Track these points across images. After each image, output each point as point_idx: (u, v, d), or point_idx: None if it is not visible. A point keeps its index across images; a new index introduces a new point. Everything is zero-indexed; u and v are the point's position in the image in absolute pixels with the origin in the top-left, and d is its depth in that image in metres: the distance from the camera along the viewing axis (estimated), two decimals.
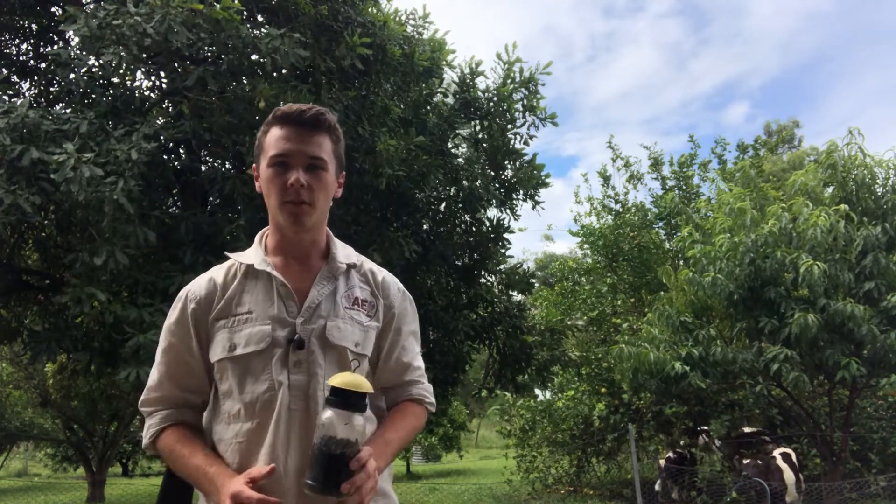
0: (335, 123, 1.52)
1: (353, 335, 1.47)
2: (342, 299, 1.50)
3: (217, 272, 1.54)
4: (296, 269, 1.51)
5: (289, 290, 1.46)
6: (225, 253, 1.60)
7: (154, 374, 1.52)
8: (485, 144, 8.08)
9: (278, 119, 1.48)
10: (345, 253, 1.58)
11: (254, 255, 1.52)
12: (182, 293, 1.54)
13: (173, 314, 1.52)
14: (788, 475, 7.15)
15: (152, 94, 6.68)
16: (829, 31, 65.69)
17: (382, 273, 1.63)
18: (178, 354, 1.49)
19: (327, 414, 1.25)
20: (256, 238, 1.58)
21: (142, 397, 1.53)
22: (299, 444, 1.39)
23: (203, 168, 6.78)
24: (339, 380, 1.26)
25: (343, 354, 1.45)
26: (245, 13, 6.33)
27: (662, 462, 9.86)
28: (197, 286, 1.52)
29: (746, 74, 67.24)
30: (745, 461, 7.69)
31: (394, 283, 1.63)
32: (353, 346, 1.47)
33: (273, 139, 1.47)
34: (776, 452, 7.64)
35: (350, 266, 1.56)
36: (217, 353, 1.45)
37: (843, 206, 7.36)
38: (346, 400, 1.25)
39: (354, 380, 1.26)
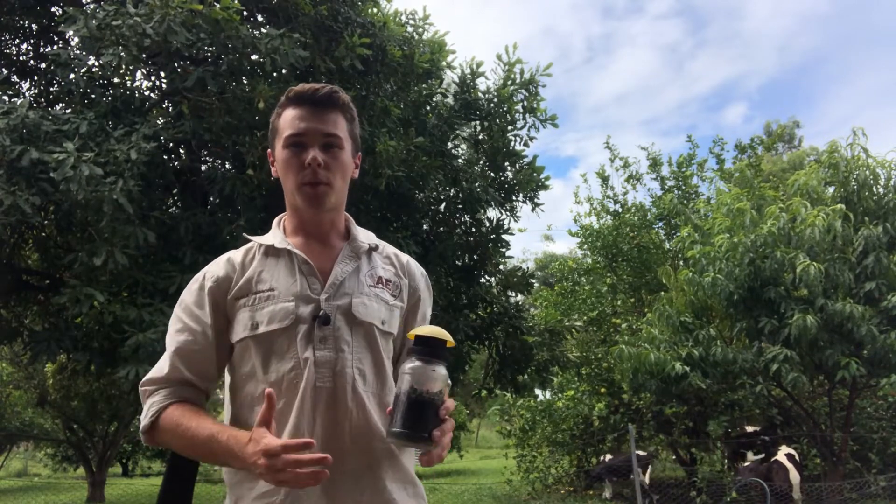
0: (349, 101, 1.49)
1: (378, 312, 1.44)
2: (366, 277, 1.46)
3: (235, 253, 1.49)
4: (316, 248, 1.47)
5: (311, 266, 1.41)
6: (244, 235, 1.56)
7: (162, 357, 1.45)
8: (485, 146, 8.07)
9: (291, 99, 1.45)
10: (366, 235, 1.55)
11: (272, 236, 1.48)
12: (199, 274, 1.49)
13: (189, 295, 1.46)
14: (794, 474, 7.16)
15: (152, 95, 6.68)
16: (826, 33, 65.68)
17: (406, 257, 1.60)
18: (192, 335, 1.41)
19: (413, 363, 1.23)
20: (274, 222, 1.54)
21: (145, 377, 1.44)
22: (326, 424, 1.33)
23: (203, 168, 6.78)
24: (425, 330, 1.25)
25: (370, 331, 1.41)
26: (245, 13, 6.32)
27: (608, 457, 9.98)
28: (215, 266, 1.47)
29: (744, 76, 67.23)
30: (745, 464, 7.70)
31: (417, 267, 1.60)
32: (379, 323, 1.43)
33: (287, 120, 1.44)
34: (781, 453, 7.64)
35: (372, 248, 1.53)
36: (239, 332, 1.39)
37: (840, 206, 7.36)
38: (432, 349, 1.24)
39: (439, 330, 1.25)
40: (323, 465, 1.17)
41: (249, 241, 1.52)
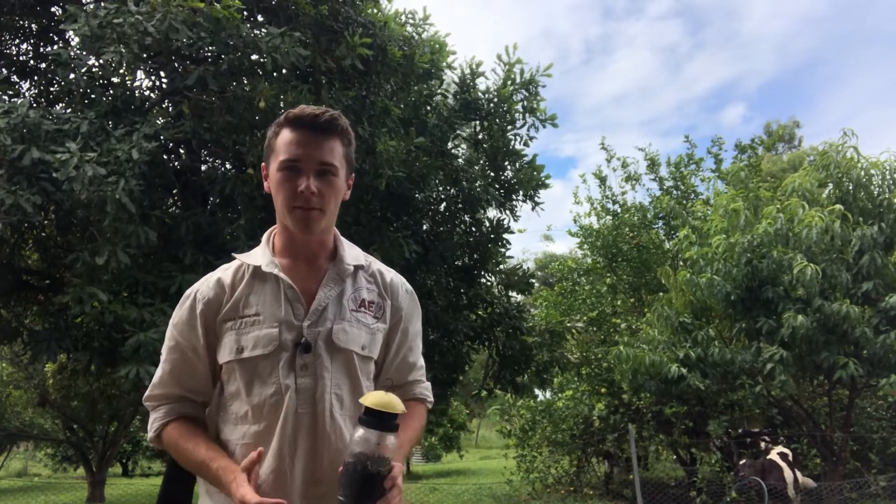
0: (348, 127, 1.50)
1: (359, 338, 1.48)
2: (349, 301, 1.50)
3: (224, 273, 1.53)
4: (303, 270, 1.51)
5: (296, 292, 1.45)
6: (233, 255, 1.59)
7: (159, 371, 1.53)
8: (485, 145, 8.08)
9: (290, 122, 1.46)
10: (352, 254, 1.57)
11: (261, 256, 1.51)
12: (190, 292, 1.53)
13: (181, 313, 1.52)
14: (787, 473, 7.17)
15: (152, 94, 6.68)
16: (824, 34, 65.59)
17: (391, 274, 1.62)
18: (182, 354, 1.50)
19: (360, 433, 1.26)
20: (264, 237, 1.57)
21: (146, 393, 1.55)
22: (306, 448, 1.40)
23: (203, 168, 6.78)
24: (373, 399, 1.26)
25: (349, 357, 1.46)
26: (245, 13, 6.33)
27: None
28: (205, 287, 1.52)
29: (743, 76, 67.18)
30: (742, 461, 7.71)
31: (402, 284, 1.63)
32: (359, 349, 1.47)
33: (284, 142, 1.45)
34: (774, 452, 7.66)
35: (357, 267, 1.55)
36: (225, 354, 1.45)
37: (838, 207, 7.36)
38: (379, 420, 1.26)
39: (388, 400, 1.26)
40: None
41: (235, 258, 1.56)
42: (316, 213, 1.44)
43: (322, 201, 1.44)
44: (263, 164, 1.54)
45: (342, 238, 1.58)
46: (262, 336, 1.42)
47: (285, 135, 1.46)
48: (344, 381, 1.45)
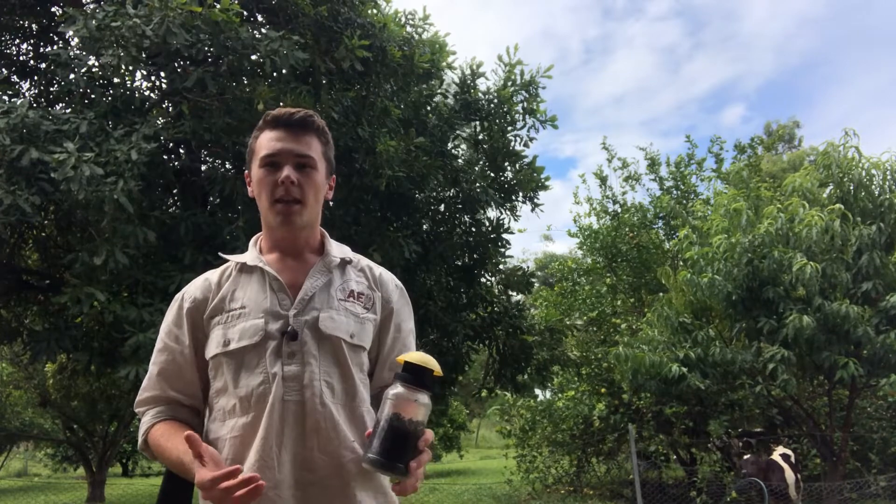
0: (324, 126, 1.55)
1: (347, 326, 1.47)
2: (336, 291, 1.50)
3: (212, 273, 1.57)
4: (290, 264, 1.52)
5: (281, 283, 1.46)
6: (220, 254, 1.61)
7: (147, 376, 1.53)
8: (485, 146, 8.08)
9: (269, 123, 1.52)
10: (340, 249, 1.59)
11: (248, 255, 1.54)
12: (179, 294, 1.56)
13: (170, 315, 1.54)
14: (789, 473, 7.17)
15: (152, 95, 6.68)
16: (823, 34, 65.50)
17: (380, 269, 1.63)
18: (171, 353, 1.50)
19: (397, 390, 1.24)
20: (251, 241, 1.60)
21: (136, 400, 1.54)
22: (294, 436, 1.38)
23: (203, 168, 6.78)
24: (413, 356, 1.26)
25: (337, 344, 1.44)
26: (245, 14, 6.32)
27: None
28: (193, 287, 1.55)
29: (742, 77, 67.10)
30: (746, 457, 7.71)
31: (391, 279, 1.63)
32: (347, 336, 1.46)
33: (264, 141, 1.51)
34: (776, 452, 7.66)
35: (345, 261, 1.56)
36: (212, 349, 1.45)
37: (838, 206, 7.35)
38: (418, 377, 1.25)
39: (427, 359, 1.26)
40: (253, 482, 1.20)
41: (227, 260, 1.58)
42: (297, 206, 1.47)
43: (302, 192, 1.47)
44: (246, 171, 1.59)
45: (329, 237, 1.60)
46: (248, 327, 1.42)
47: (265, 135, 1.52)
48: (332, 369, 1.43)
